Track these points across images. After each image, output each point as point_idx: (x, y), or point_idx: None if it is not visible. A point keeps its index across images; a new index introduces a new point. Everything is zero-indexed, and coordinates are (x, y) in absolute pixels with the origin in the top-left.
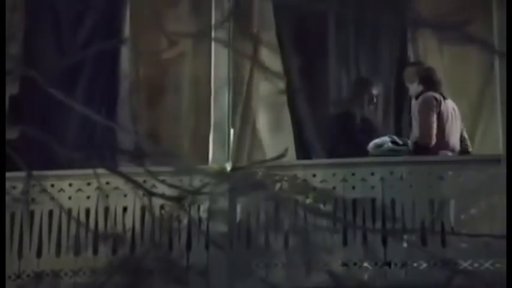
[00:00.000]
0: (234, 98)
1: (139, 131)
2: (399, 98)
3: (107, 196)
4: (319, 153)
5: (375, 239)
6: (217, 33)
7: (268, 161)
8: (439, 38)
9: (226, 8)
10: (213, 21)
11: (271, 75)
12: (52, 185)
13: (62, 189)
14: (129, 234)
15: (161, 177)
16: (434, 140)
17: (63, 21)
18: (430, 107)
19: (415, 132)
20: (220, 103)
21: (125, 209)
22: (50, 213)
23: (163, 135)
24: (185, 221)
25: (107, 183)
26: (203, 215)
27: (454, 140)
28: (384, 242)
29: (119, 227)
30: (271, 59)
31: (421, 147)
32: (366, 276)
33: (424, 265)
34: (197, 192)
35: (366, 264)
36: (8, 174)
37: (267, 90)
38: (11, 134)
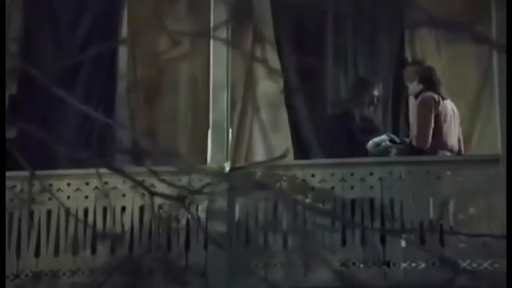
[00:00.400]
0: (232, 98)
1: (137, 130)
2: (397, 98)
3: (106, 196)
4: (318, 153)
5: (373, 238)
6: (217, 32)
7: (268, 161)
8: (440, 37)
9: (225, 7)
10: (211, 21)
11: (271, 71)
12: (50, 185)
13: (60, 189)
14: (127, 234)
15: (161, 177)
16: (429, 144)
17: (61, 20)
18: (428, 108)
19: (413, 131)
20: (219, 103)
21: (123, 209)
22: (49, 212)
23: (161, 135)
24: (184, 221)
25: (106, 182)
26: (202, 214)
27: (453, 141)
28: (383, 241)
29: (118, 227)
30: (269, 58)
31: (416, 149)
32: (364, 276)
33: (423, 265)
34: (199, 191)
35: (364, 264)
36: (7, 174)
37: (265, 90)
38: (9, 133)
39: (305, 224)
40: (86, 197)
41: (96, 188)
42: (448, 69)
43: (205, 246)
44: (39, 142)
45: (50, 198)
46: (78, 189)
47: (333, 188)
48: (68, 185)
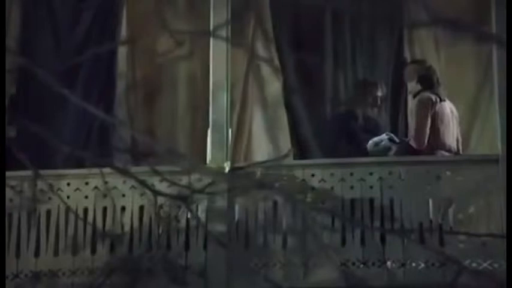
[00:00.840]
0: (231, 98)
1: (137, 130)
2: (396, 97)
3: (105, 196)
4: (318, 153)
5: (373, 238)
6: (218, 31)
7: (269, 162)
8: (439, 38)
9: (225, 7)
10: (211, 20)
11: (271, 67)
12: (50, 185)
13: (60, 189)
14: (127, 234)
15: (161, 177)
16: (425, 145)
17: (60, 19)
18: (425, 109)
19: (412, 130)
20: (218, 103)
21: (123, 209)
22: (48, 212)
23: (161, 134)
24: (183, 221)
25: (106, 182)
26: (202, 214)
27: (451, 141)
28: (383, 241)
29: (117, 227)
30: (269, 57)
31: (413, 149)
32: (364, 276)
33: (422, 265)
34: (201, 191)
35: (364, 264)
36: (7, 174)
37: (265, 90)
38: (8, 133)
39: (305, 224)
40: (86, 197)
41: (96, 188)
42: (446, 70)
43: (205, 246)
44: (38, 142)
45: (50, 198)
46: (77, 189)
47: (332, 188)
48: (68, 184)
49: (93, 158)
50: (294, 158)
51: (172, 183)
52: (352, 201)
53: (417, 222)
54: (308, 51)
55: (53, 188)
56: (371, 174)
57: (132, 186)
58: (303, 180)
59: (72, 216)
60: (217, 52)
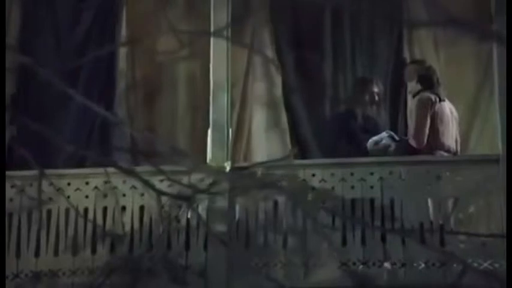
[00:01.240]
0: (231, 98)
1: (137, 130)
2: (396, 97)
3: (105, 195)
4: (317, 153)
5: (373, 238)
6: (218, 31)
7: (271, 162)
8: (439, 38)
9: (225, 7)
10: (211, 20)
11: (272, 64)
12: (51, 184)
13: (60, 189)
14: (127, 233)
15: (161, 177)
16: (424, 143)
17: (60, 19)
18: (425, 109)
19: (411, 130)
20: (219, 102)
21: (123, 209)
22: (48, 212)
23: (161, 134)
24: (184, 221)
25: (108, 182)
26: (202, 214)
27: (450, 141)
28: (383, 241)
29: (118, 227)
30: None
31: (412, 148)
32: (364, 276)
33: (423, 265)
34: (205, 191)
35: (364, 264)
36: (9, 173)
37: (265, 90)
38: (8, 132)
39: (305, 224)
40: (86, 197)
41: (96, 187)
42: (446, 70)
43: (205, 246)
44: (38, 142)
45: (51, 198)
46: (78, 189)
47: (333, 188)
48: (68, 184)
49: (96, 157)
50: (294, 158)
51: (175, 183)
52: (353, 201)
53: (417, 222)
54: (308, 51)
55: (56, 188)
56: (371, 174)
57: (133, 186)
58: (304, 180)
59: (72, 216)
60: (218, 52)
